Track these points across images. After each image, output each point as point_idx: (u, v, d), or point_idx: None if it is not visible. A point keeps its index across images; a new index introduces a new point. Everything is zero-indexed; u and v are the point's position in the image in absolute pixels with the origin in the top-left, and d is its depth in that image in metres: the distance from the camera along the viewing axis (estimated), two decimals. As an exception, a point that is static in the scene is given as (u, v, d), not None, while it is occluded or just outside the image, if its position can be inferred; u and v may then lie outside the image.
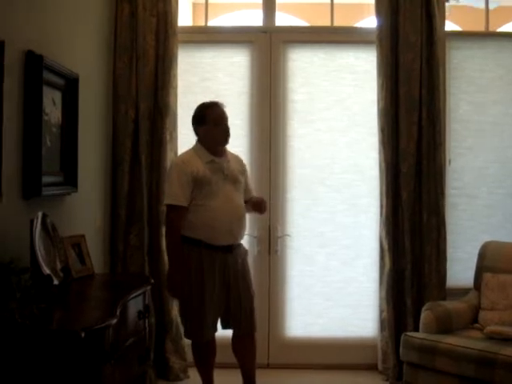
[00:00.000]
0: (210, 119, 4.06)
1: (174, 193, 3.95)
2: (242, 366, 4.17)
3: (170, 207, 3.96)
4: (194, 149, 4.11)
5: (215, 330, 4.06)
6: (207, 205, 3.93)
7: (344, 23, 5.34)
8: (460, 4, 5.71)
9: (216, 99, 4.51)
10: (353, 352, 5.00)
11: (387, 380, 4.76)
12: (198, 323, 3.97)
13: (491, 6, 5.20)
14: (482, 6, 5.19)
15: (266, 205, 4.34)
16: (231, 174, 4.06)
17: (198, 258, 3.94)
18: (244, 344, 4.13)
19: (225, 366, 4.34)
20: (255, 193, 4.42)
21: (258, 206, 4.24)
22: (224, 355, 4.22)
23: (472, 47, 5.09)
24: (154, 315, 4.55)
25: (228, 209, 3.98)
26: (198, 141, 4.12)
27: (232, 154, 4.21)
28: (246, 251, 4.19)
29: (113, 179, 4.75)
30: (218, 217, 3.93)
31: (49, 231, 3.18)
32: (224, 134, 4.08)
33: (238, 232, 4.06)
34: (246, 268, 4.14)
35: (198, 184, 3.92)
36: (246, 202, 4.17)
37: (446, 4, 5.00)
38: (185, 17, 5.75)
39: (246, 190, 4.22)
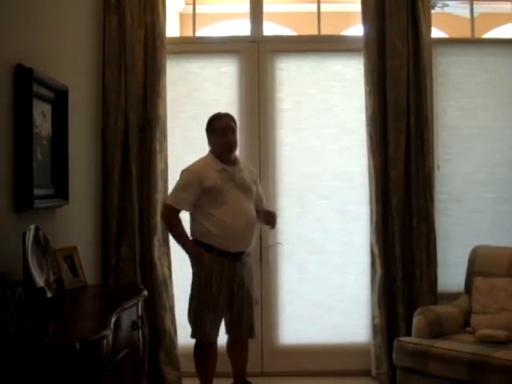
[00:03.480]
0: (216, 129, 4.26)
1: (176, 195, 4.21)
2: (235, 366, 4.40)
3: (169, 207, 4.25)
4: (206, 157, 4.31)
5: (217, 333, 4.22)
6: (221, 212, 4.12)
7: (331, 32, 5.37)
8: (445, 12, 5.77)
9: (205, 109, 4.58)
10: (346, 358, 5.01)
11: (381, 385, 4.79)
12: (205, 324, 4.14)
13: (476, 13, 5.27)
14: (467, 13, 5.24)
15: (276, 218, 4.45)
16: (242, 182, 4.24)
17: (209, 263, 4.13)
18: (239, 347, 4.35)
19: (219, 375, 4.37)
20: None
21: (266, 216, 4.39)
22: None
23: (458, 53, 5.15)
24: (148, 326, 4.59)
25: (241, 216, 4.16)
26: (210, 150, 4.31)
27: (244, 164, 4.41)
28: (250, 259, 4.36)
29: (103, 190, 4.74)
30: (231, 224, 4.11)
31: (41, 244, 3.18)
32: (227, 145, 4.25)
33: (250, 239, 4.24)
34: (251, 277, 4.34)
35: (208, 192, 4.12)
36: (256, 211, 4.32)
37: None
38: (172, 27, 5.77)
39: (257, 198, 4.37)
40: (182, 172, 4.26)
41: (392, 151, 4.84)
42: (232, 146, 4.27)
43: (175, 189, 4.24)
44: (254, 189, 4.33)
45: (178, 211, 4.21)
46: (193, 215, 4.24)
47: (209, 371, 4.28)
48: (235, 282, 4.17)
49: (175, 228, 4.26)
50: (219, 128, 4.26)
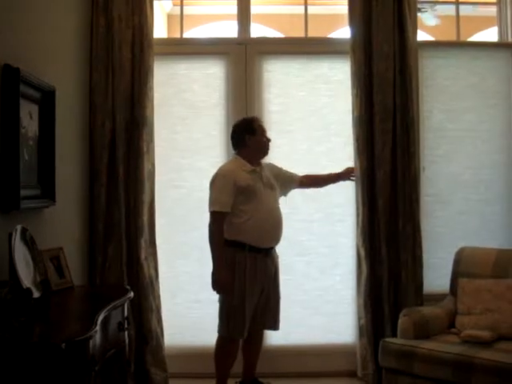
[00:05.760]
0: (260, 130, 4.39)
1: (219, 200, 4.21)
2: (248, 362, 4.54)
3: (216, 213, 4.21)
4: (235, 160, 4.39)
5: (247, 329, 4.27)
6: (253, 210, 4.21)
7: (318, 34, 5.40)
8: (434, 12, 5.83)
9: (192, 111, 4.56)
10: (332, 359, 5.03)
11: (367, 386, 4.81)
12: (240, 321, 4.20)
13: (463, 15, 5.31)
14: (453, 13, 5.29)
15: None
16: (268, 181, 4.36)
17: (242, 260, 4.19)
18: (256, 341, 4.50)
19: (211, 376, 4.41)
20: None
21: (346, 173, 4.78)
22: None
23: (444, 56, 5.17)
24: (134, 327, 4.58)
25: (271, 213, 4.29)
26: (238, 153, 4.38)
27: (264, 163, 4.48)
28: (277, 255, 4.43)
29: (90, 191, 4.74)
30: (263, 221, 4.23)
31: (28, 244, 3.17)
32: (268, 144, 4.45)
33: (279, 235, 4.36)
34: (278, 271, 4.43)
35: (243, 192, 4.20)
36: (304, 182, 4.66)
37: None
38: (160, 28, 5.78)
39: (289, 176, 4.61)
40: (215, 177, 4.28)
41: (378, 153, 4.87)
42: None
43: (215, 194, 4.23)
44: (277, 186, 4.45)
45: (224, 215, 4.20)
46: None
47: (230, 366, 4.36)
48: (266, 276, 4.28)
49: (220, 241, 4.19)
50: (261, 129, 4.41)
